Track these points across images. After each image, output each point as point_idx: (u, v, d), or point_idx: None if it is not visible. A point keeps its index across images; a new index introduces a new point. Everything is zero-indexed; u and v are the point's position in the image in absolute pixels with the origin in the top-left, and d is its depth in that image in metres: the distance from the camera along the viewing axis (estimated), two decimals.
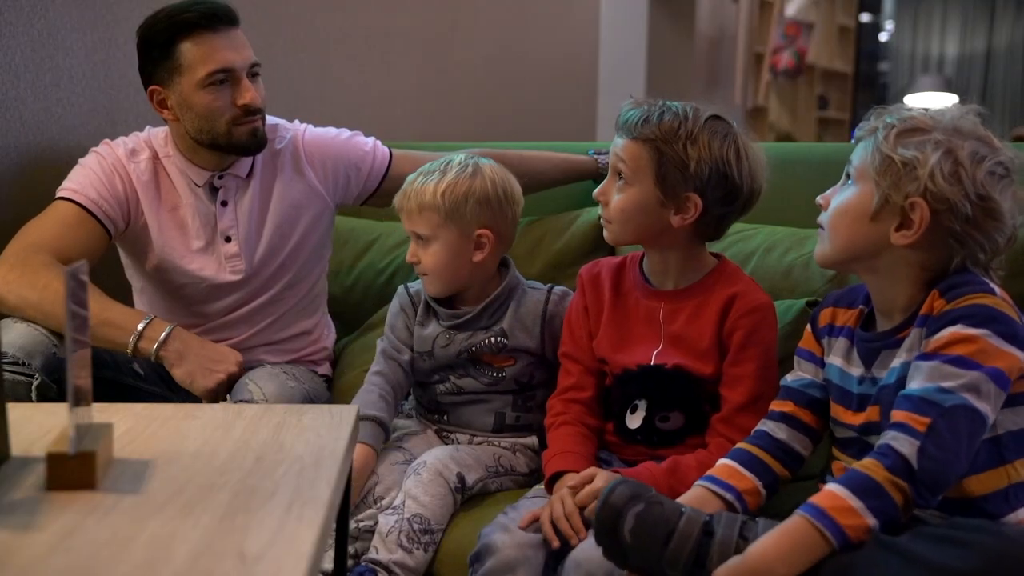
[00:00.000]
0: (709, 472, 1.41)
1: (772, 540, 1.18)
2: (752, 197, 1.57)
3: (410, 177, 1.74)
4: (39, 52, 2.04)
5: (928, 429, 1.17)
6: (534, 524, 1.45)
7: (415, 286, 1.82)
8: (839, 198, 1.34)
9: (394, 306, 1.83)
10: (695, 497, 1.35)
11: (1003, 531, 1.10)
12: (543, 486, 1.56)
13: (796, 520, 1.18)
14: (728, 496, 1.36)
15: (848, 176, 1.34)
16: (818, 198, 1.38)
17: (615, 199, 1.57)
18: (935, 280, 1.29)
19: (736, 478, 1.38)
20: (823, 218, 1.36)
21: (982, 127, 1.29)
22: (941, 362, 1.20)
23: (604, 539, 1.27)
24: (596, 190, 1.60)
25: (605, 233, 1.62)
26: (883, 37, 10.57)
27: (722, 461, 1.42)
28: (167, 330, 1.71)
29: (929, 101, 8.23)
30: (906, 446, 1.17)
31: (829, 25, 8.24)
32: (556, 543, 1.40)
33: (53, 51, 2.07)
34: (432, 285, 1.74)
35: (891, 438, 1.19)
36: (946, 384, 1.19)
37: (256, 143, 1.86)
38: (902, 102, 1.44)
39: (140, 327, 1.70)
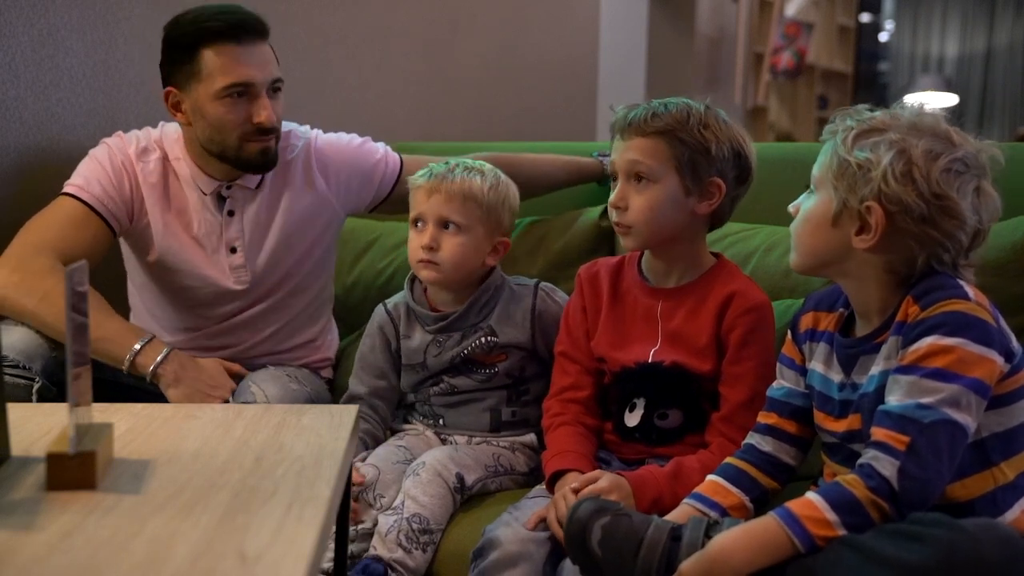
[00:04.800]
0: (696, 490, 1.41)
1: (737, 533, 1.20)
2: (753, 176, 1.60)
3: (438, 166, 1.71)
4: (39, 52, 2.03)
5: (908, 448, 1.16)
6: (541, 524, 1.45)
7: (392, 301, 1.81)
8: (804, 206, 1.34)
9: (370, 328, 1.81)
10: (681, 515, 1.36)
11: (957, 524, 1.10)
12: (544, 486, 1.56)
13: (766, 520, 1.19)
14: (713, 514, 1.36)
15: (810, 185, 1.34)
16: (789, 206, 1.37)
17: (636, 201, 1.55)
18: (905, 281, 1.28)
19: (722, 494, 1.39)
20: (792, 226, 1.36)
21: (943, 123, 1.27)
22: (919, 376, 1.19)
23: (575, 554, 1.29)
24: (613, 198, 1.57)
25: (626, 241, 1.59)
26: (883, 37, 10.57)
27: (710, 477, 1.42)
28: (165, 351, 1.70)
29: (929, 101, 8.23)
30: (887, 467, 1.17)
31: (829, 25, 8.24)
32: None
33: (53, 51, 2.07)
34: (437, 275, 1.70)
35: (872, 458, 1.19)
36: (925, 400, 1.18)
37: (265, 163, 1.83)
38: (901, 102, 1.41)
39: (138, 345, 1.69)
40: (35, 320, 1.69)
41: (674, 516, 1.36)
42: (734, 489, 1.40)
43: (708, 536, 1.22)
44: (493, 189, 1.70)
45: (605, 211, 2.03)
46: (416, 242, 1.70)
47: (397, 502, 1.56)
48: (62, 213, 1.79)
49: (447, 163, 1.73)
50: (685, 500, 1.40)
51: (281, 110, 1.83)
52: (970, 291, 1.24)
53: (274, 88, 1.81)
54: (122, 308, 1.90)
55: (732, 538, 1.19)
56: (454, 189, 1.68)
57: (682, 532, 1.24)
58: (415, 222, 1.71)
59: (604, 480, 1.45)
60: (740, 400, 1.53)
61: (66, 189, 1.81)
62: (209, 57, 1.74)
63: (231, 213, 1.88)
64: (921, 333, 1.21)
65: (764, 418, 1.46)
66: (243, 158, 1.81)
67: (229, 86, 1.74)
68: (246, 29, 1.75)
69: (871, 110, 1.31)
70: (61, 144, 2.10)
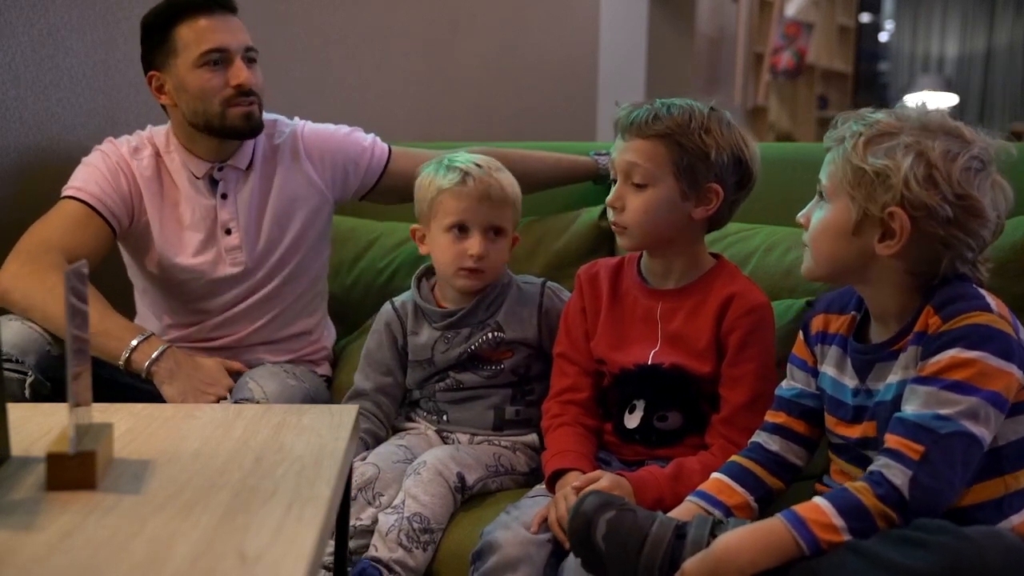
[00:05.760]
0: (700, 487, 1.41)
1: (743, 533, 1.20)
2: (755, 181, 1.59)
3: (468, 166, 1.69)
4: (39, 52, 2.04)
5: (922, 458, 1.16)
6: (543, 525, 1.44)
7: (400, 299, 1.82)
8: (817, 216, 1.32)
9: (377, 324, 1.82)
10: (685, 512, 1.35)
11: (962, 532, 1.09)
12: (544, 486, 1.56)
13: (773, 521, 1.19)
14: (717, 513, 1.36)
15: (821, 194, 1.32)
16: (798, 216, 1.36)
17: (632, 203, 1.55)
18: (927, 283, 1.27)
19: (727, 493, 1.39)
20: (806, 237, 1.35)
21: (950, 119, 1.26)
22: (939, 388, 1.19)
23: (579, 549, 1.29)
24: (610, 197, 1.58)
25: (621, 241, 1.59)
26: (883, 37, 10.58)
27: (715, 475, 1.42)
28: (161, 348, 1.71)
29: (929, 101, 8.22)
30: (899, 476, 1.16)
31: (829, 25, 8.24)
32: (568, 544, 1.39)
33: (53, 51, 2.07)
34: (480, 283, 1.71)
35: (883, 465, 1.18)
36: (943, 411, 1.17)
37: (250, 127, 1.87)
38: (902, 102, 1.41)
39: (135, 342, 1.70)
40: (41, 312, 1.70)
41: (678, 513, 1.35)
42: (739, 488, 1.39)
43: (713, 535, 1.21)
44: (514, 185, 1.73)
45: (604, 211, 2.03)
46: (457, 249, 1.68)
47: (398, 501, 1.56)
48: (64, 215, 1.82)
49: (471, 163, 1.70)
50: (689, 497, 1.39)
51: (261, 79, 1.89)
52: (992, 302, 1.23)
53: (249, 57, 1.87)
54: (127, 313, 1.89)
55: (737, 538, 1.19)
56: (497, 195, 1.68)
57: (687, 530, 1.23)
58: (455, 228, 1.68)
59: (605, 479, 1.44)
60: (740, 402, 1.52)
61: (65, 193, 1.85)
62: (183, 32, 1.83)
63: (224, 196, 1.91)
64: (942, 345, 1.20)
65: (772, 417, 1.45)
66: (228, 125, 1.86)
67: (205, 53, 1.82)
68: (216, 2, 1.85)
69: (873, 112, 1.29)
70: (61, 144, 2.10)
